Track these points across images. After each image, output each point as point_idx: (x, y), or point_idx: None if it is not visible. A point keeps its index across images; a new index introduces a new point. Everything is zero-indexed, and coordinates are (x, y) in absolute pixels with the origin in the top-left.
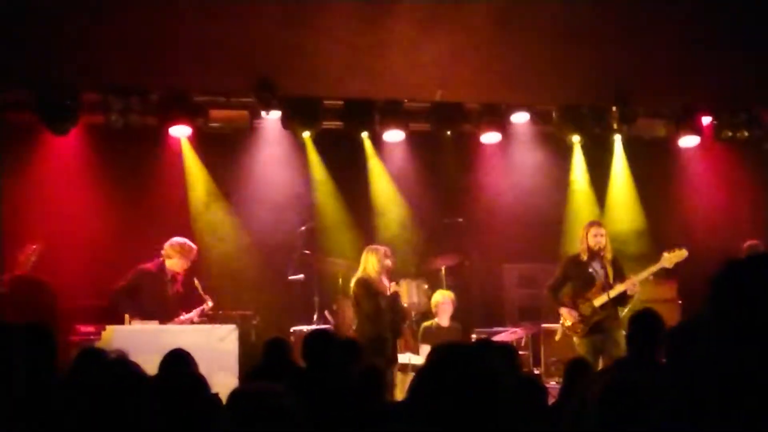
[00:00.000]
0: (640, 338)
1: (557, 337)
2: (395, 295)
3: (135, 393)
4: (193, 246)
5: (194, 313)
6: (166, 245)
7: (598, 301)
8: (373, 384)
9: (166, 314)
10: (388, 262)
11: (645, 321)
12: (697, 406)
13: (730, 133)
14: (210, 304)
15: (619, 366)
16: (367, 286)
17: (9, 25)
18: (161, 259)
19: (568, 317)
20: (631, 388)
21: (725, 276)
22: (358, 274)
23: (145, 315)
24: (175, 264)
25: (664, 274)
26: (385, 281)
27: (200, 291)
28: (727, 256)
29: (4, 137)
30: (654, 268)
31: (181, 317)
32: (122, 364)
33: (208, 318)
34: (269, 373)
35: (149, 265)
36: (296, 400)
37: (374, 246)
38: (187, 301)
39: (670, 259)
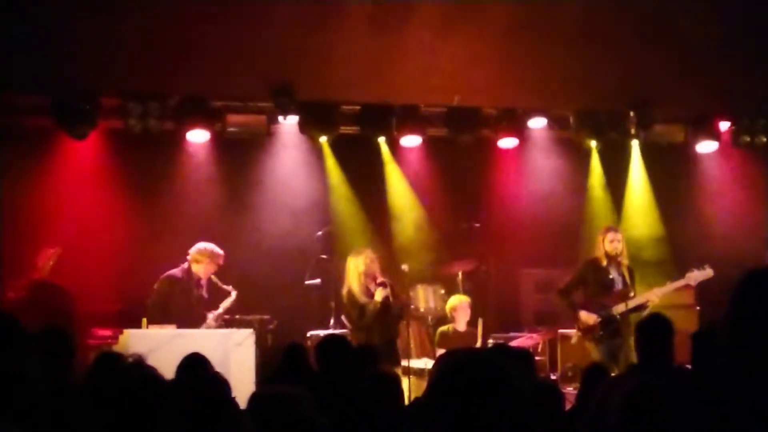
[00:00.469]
0: (649, 344)
1: (573, 341)
2: (385, 299)
3: (153, 396)
4: (220, 251)
5: (222, 309)
6: (194, 250)
7: (617, 308)
8: (387, 390)
9: (193, 319)
10: (370, 265)
11: (653, 327)
12: (719, 413)
13: (748, 139)
14: (234, 293)
15: (634, 372)
16: (352, 299)
17: (28, 30)
18: (187, 264)
19: (587, 319)
20: (653, 394)
21: (745, 285)
22: (344, 286)
23: (173, 321)
24: (201, 269)
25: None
26: (371, 286)
27: (221, 285)
28: (746, 266)
29: (23, 142)
30: (677, 284)
31: (209, 317)
32: (140, 368)
33: (225, 322)
34: (286, 378)
35: (176, 271)
36: (315, 404)
37: (356, 249)
38: (212, 302)
39: (695, 278)
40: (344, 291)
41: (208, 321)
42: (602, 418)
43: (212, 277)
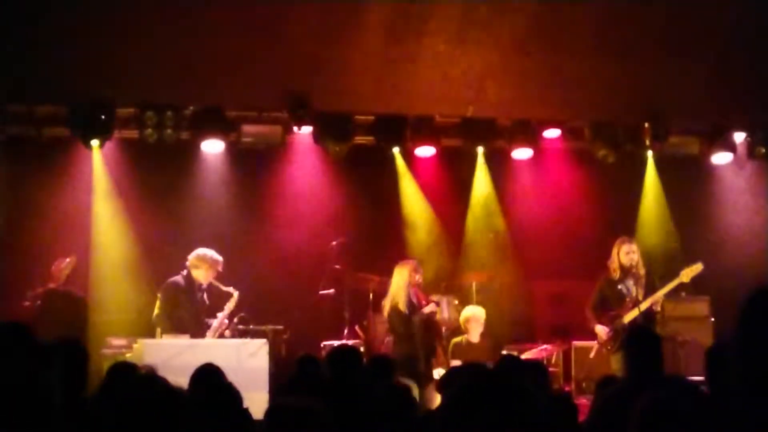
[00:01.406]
0: (637, 357)
1: (592, 355)
2: (431, 314)
3: (167, 407)
4: (219, 257)
5: (226, 311)
6: (192, 256)
7: (628, 317)
8: (400, 402)
9: (198, 325)
10: (418, 277)
11: (640, 340)
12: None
13: (763, 150)
14: (235, 294)
15: (628, 386)
16: (397, 310)
17: (45, 41)
18: (186, 270)
19: (601, 333)
20: (669, 410)
21: (753, 302)
22: (390, 293)
23: (180, 329)
24: (201, 275)
25: (697, 292)
26: (417, 296)
27: (221, 288)
28: (762, 276)
29: (40, 151)
30: (673, 284)
31: (213, 323)
32: (152, 380)
33: (239, 332)
34: (299, 388)
35: (177, 278)
36: (330, 417)
37: (404, 261)
38: (213, 308)
39: (687, 274)
40: (388, 303)
41: (213, 326)
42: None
43: (212, 280)
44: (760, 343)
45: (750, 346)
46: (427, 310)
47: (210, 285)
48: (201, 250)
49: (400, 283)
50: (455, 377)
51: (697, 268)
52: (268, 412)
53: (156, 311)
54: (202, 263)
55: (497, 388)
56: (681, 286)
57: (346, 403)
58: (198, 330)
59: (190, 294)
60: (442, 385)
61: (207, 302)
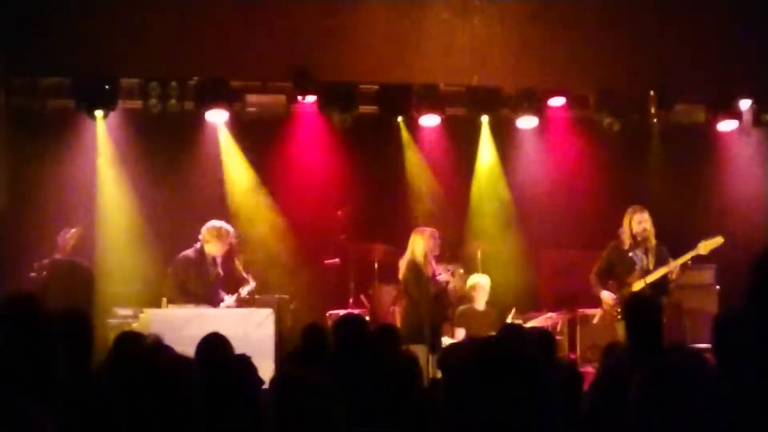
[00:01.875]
0: (638, 325)
1: (595, 320)
2: (446, 283)
3: (175, 377)
4: (230, 229)
5: (236, 296)
6: (203, 229)
7: (637, 285)
8: (407, 371)
9: (210, 299)
10: (435, 245)
11: (640, 308)
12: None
13: None
14: (253, 284)
15: (630, 354)
16: (416, 271)
17: (49, 13)
18: (200, 243)
19: (607, 300)
20: (673, 377)
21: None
22: (406, 257)
23: (192, 301)
24: (213, 248)
25: (702, 260)
26: (433, 265)
27: (242, 272)
28: (765, 243)
29: (45, 123)
30: (689, 255)
31: (225, 300)
32: (159, 349)
33: (245, 302)
34: (306, 358)
35: (189, 252)
36: (336, 388)
37: (421, 228)
38: (229, 283)
39: (706, 246)
40: (404, 264)
41: (226, 301)
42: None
43: (236, 262)
44: None
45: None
46: (443, 278)
47: (230, 262)
48: (211, 223)
49: (421, 246)
50: (454, 352)
51: (717, 241)
52: (275, 382)
53: (167, 286)
54: (211, 236)
55: (500, 358)
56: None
57: (352, 372)
58: (209, 303)
59: (201, 267)
60: (442, 360)
61: (222, 273)
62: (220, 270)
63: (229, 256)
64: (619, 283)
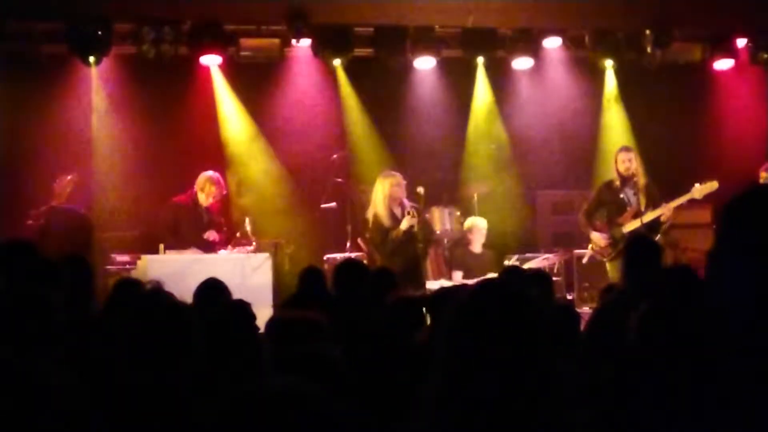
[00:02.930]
0: (637, 266)
1: (584, 260)
2: (409, 228)
3: (174, 322)
4: (216, 178)
5: (236, 250)
6: (198, 179)
7: (629, 226)
8: (409, 315)
9: (200, 244)
10: (398, 189)
11: (640, 249)
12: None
13: (766, 56)
14: (253, 245)
15: (625, 294)
16: (375, 223)
17: None
18: (194, 190)
19: (598, 240)
20: (668, 316)
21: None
22: (371, 209)
23: (183, 246)
24: (202, 197)
25: (698, 200)
26: (396, 210)
27: (248, 232)
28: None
29: (38, 69)
30: (684, 199)
31: (220, 252)
32: (158, 295)
33: (241, 245)
34: (304, 301)
35: (183, 198)
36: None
37: (386, 173)
38: (232, 236)
39: (701, 190)
40: (369, 214)
41: (220, 252)
42: (613, 338)
43: (247, 220)
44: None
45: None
46: (403, 225)
47: (237, 215)
48: (204, 173)
49: (380, 195)
50: (446, 296)
51: (712, 185)
52: (269, 324)
53: (159, 228)
54: (201, 186)
55: (500, 297)
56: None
57: (352, 315)
58: (200, 249)
59: (194, 213)
60: (433, 304)
61: (216, 220)
62: (214, 217)
63: (240, 214)
64: (609, 223)
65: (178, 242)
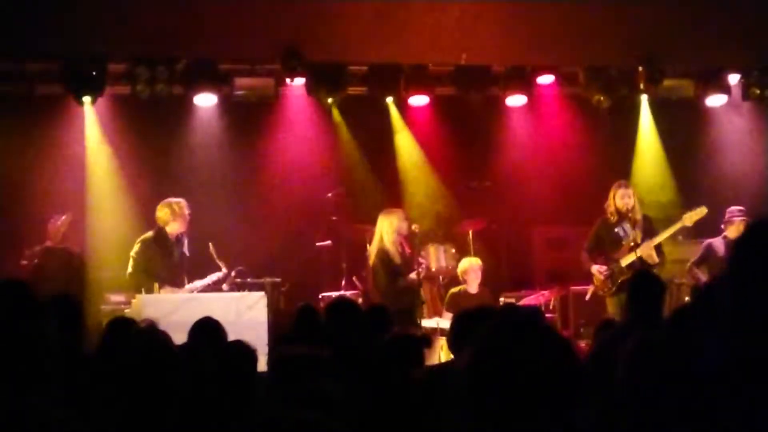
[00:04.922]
0: (640, 301)
1: (587, 297)
2: (418, 281)
3: (165, 362)
4: (178, 201)
5: (207, 281)
6: (157, 209)
7: (625, 260)
8: (407, 353)
9: (174, 279)
10: (404, 226)
11: (643, 284)
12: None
13: (758, 91)
14: (224, 271)
15: (628, 328)
16: (383, 258)
17: None
18: (159, 224)
19: (598, 275)
20: (655, 350)
21: (748, 236)
22: (375, 244)
23: (158, 283)
24: (172, 227)
25: (693, 235)
26: (404, 247)
27: (215, 257)
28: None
29: (33, 108)
30: (675, 228)
31: (193, 284)
32: (152, 334)
33: (237, 285)
34: (299, 340)
35: (149, 234)
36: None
37: (389, 209)
38: (201, 266)
39: (690, 217)
40: (374, 249)
41: (188, 286)
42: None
43: (210, 246)
44: (754, 276)
45: (743, 279)
46: (413, 276)
47: (201, 243)
48: (164, 201)
49: (386, 231)
50: (467, 324)
51: (701, 212)
52: (276, 362)
53: (129, 270)
54: (165, 215)
55: (527, 333)
56: (680, 230)
57: (346, 353)
58: (173, 284)
59: (163, 248)
60: (456, 334)
61: (187, 254)
62: (185, 251)
63: (203, 240)
64: (608, 259)
65: (152, 282)
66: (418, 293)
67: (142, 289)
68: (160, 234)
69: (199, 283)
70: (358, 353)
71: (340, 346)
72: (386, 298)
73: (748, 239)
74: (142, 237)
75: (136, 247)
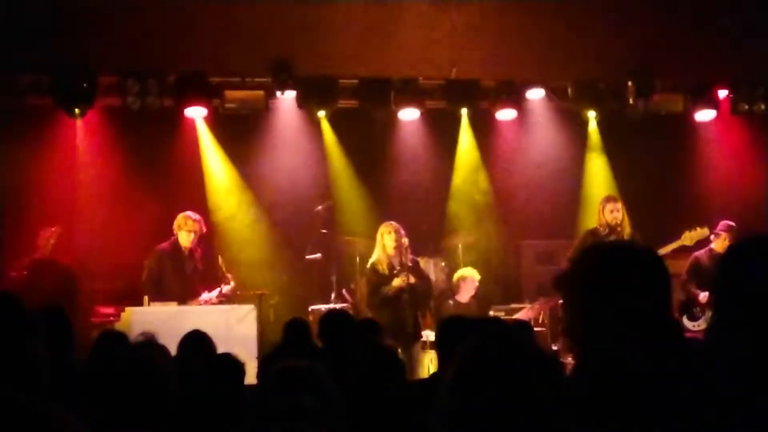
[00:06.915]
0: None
1: None
2: (400, 289)
3: (154, 376)
4: (195, 216)
5: (215, 293)
6: (176, 219)
7: None
8: (386, 364)
9: (187, 293)
10: (404, 240)
11: None
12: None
13: (746, 107)
14: (232, 284)
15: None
16: (373, 272)
17: (26, 9)
18: (174, 236)
19: None
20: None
21: (731, 257)
22: (373, 257)
23: (168, 296)
24: (185, 239)
25: (681, 250)
26: (402, 260)
27: (223, 270)
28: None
29: (23, 121)
30: (674, 246)
31: (203, 296)
32: (142, 348)
33: (226, 298)
34: (289, 353)
35: (164, 245)
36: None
37: (388, 223)
38: (209, 278)
39: (691, 237)
40: (371, 264)
41: (201, 298)
42: None
43: (219, 258)
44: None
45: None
46: (395, 283)
47: (209, 255)
48: (180, 215)
49: (386, 246)
50: (451, 332)
51: (703, 232)
52: (265, 375)
53: (143, 278)
54: (179, 227)
55: (515, 351)
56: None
57: (336, 366)
58: (186, 297)
59: (177, 260)
60: (440, 342)
61: (199, 267)
62: (198, 264)
63: (212, 252)
64: None
65: (160, 294)
66: (406, 301)
67: (146, 297)
68: (174, 245)
69: (207, 296)
70: (348, 365)
71: (334, 358)
72: (369, 309)
73: (742, 255)
74: (158, 247)
75: (150, 258)
